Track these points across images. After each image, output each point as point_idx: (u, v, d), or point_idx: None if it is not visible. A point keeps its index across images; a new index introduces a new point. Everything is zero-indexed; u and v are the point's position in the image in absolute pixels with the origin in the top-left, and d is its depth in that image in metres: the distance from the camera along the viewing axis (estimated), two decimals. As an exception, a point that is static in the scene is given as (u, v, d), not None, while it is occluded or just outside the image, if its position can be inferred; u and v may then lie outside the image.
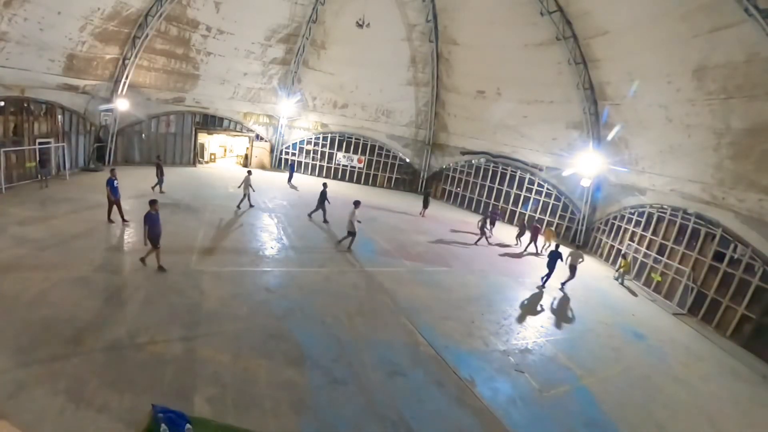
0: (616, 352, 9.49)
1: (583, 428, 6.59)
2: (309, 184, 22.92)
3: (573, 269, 12.77)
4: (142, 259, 9.42)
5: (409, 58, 23.06)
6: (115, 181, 11.83)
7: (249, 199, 15.68)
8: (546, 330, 9.89)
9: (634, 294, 13.93)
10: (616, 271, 15.17)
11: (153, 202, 9.30)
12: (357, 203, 12.93)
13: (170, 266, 9.58)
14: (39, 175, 14.78)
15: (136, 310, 7.52)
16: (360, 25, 18.04)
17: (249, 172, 15.83)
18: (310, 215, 15.93)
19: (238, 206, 15.47)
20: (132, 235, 11.26)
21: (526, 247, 16.58)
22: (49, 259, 8.91)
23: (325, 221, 15.53)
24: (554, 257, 12.42)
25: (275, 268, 10.74)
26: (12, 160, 14.20)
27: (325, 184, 16.01)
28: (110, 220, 11.96)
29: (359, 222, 12.95)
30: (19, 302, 7.13)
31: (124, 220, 12.02)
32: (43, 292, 7.55)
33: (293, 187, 21.46)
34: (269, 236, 13.21)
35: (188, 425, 4.80)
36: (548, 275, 12.51)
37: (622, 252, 15.84)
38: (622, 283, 14.62)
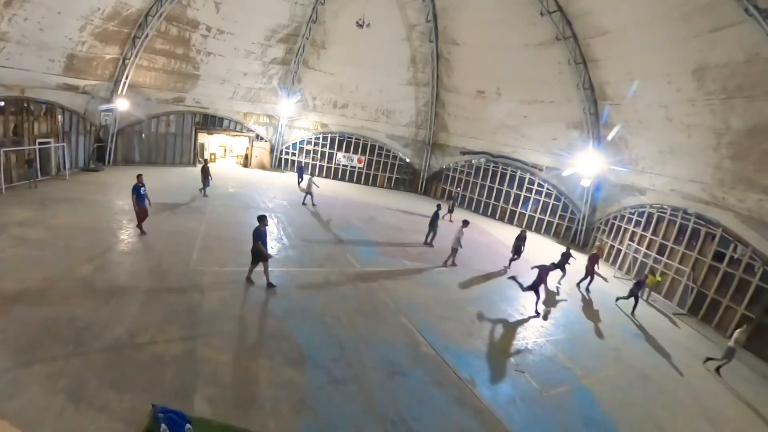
0: (616, 352, 9.50)
1: (583, 428, 6.59)
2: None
3: (732, 354, 9.30)
4: (269, 283, 9.35)
5: (409, 58, 23.06)
6: (142, 188, 11.14)
7: (312, 198, 17.75)
8: (546, 330, 9.89)
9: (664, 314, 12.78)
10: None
11: (262, 218, 9.10)
12: (466, 222, 13.12)
13: (170, 266, 9.59)
14: (29, 175, 14.55)
15: (136, 310, 7.51)
16: (360, 25, 18.05)
17: (311, 175, 19.23)
18: (426, 243, 14.93)
19: (313, 204, 17.81)
20: (133, 236, 11.22)
21: (588, 283, 13.21)
22: (49, 259, 8.89)
23: (430, 245, 14.81)
24: (639, 285, 11.82)
25: (275, 268, 10.68)
26: (12, 161, 14.19)
27: (438, 206, 15.70)
28: (142, 232, 11.22)
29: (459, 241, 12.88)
30: (19, 302, 7.13)
31: (141, 231, 11.25)
32: (43, 292, 7.55)
33: (304, 190, 21.09)
34: (269, 236, 13.14)
35: (188, 425, 4.79)
36: (634, 302, 11.69)
37: (650, 267, 14.21)
38: (647, 300, 13.28)
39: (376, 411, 6.04)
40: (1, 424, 4.11)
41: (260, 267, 9.31)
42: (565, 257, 13.18)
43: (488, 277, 12.85)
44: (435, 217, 14.82)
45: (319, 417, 5.72)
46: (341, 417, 5.81)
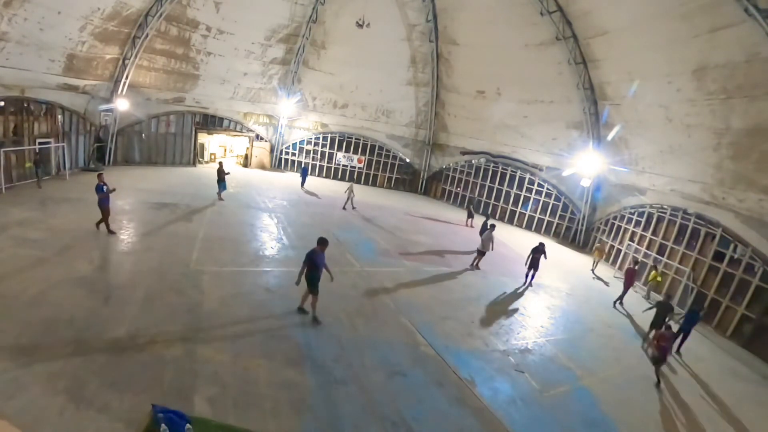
0: (616, 352, 9.50)
1: (583, 428, 6.59)
2: (313, 185, 22.84)
3: None
4: (300, 308, 8.44)
5: (409, 58, 23.07)
6: (105, 187, 10.70)
7: (351, 202, 18.43)
8: (546, 330, 9.89)
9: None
10: (645, 286, 13.57)
11: (322, 241, 8.00)
12: (492, 227, 13.55)
13: (170, 266, 9.58)
14: (36, 175, 14.53)
15: (136, 310, 7.51)
16: (360, 25, 18.05)
17: (351, 182, 20.73)
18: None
19: (353, 207, 18.52)
20: (134, 236, 11.22)
21: (620, 299, 12.22)
22: (49, 259, 8.89)
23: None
24: (693, 320, 9.74)
25: (275, 268, 10.73)
26: (12, 160, 14.19)
27: (487, 216, 16.95)
28: (110, 231, 10.96)
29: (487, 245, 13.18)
30: (19, 302, 7.12)
31: (109, 231, 10.93)
32: (43, 292, 7.55)
33: (310, 192, 20.91)
34: (269, 236, 13.20)
35: (188, 425, 4.79)
36: (683, 339, 9.77)
37: (655, 264, 13.71)
38: (648, 299, 13.13)
39: (376, 411, 6.03)
40: (1, 424, 4.11)
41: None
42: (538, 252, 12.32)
43: (488, 277, 12.84)
44: (484, 228, 14.72)
45: (319, 417, 5.72)
46: (341, 417, 5.80)
